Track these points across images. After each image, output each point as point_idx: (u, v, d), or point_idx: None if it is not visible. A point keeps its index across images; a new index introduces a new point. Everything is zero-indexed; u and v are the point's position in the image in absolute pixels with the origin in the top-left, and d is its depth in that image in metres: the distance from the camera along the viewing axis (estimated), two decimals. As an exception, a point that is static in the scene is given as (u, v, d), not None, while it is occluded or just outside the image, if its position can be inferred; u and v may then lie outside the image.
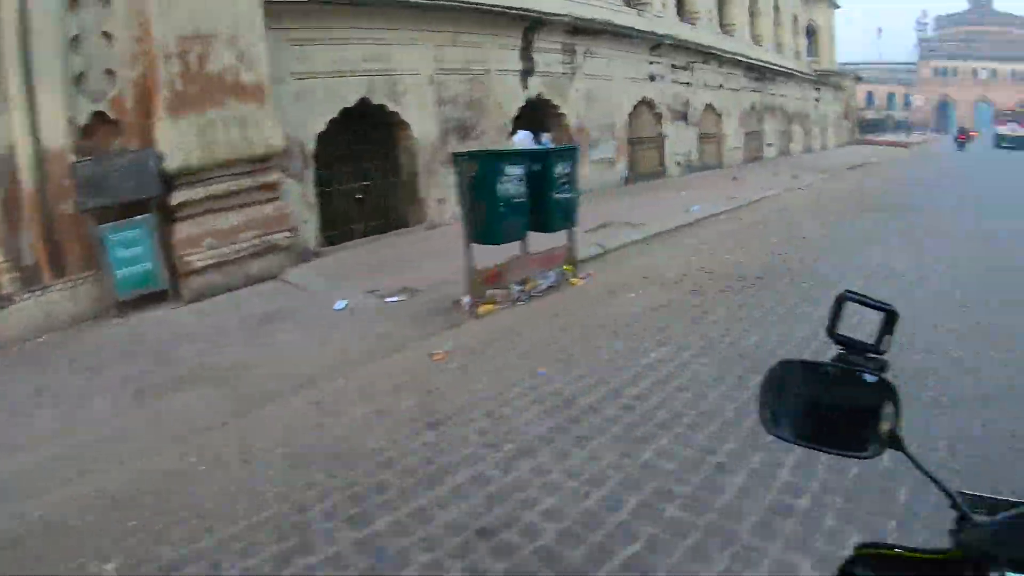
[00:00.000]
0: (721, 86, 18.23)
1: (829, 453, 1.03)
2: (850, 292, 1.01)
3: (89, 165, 5.97)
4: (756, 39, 24.83)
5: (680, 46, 15.84)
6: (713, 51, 17.32)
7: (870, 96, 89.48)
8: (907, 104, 48.48)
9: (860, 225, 9.64)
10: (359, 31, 8.67)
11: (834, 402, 0.99)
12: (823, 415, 1.00)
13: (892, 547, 0.89)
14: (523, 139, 6.76)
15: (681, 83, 16.28)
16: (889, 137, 37.58)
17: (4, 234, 5.71)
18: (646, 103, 15.04)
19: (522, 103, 11.46)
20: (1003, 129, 42.77)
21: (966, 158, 31.16)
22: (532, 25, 11.40)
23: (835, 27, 32.34)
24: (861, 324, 1.05)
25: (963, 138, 36.77)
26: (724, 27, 22.65)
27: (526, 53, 11.52)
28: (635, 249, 8.30)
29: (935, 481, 0.90)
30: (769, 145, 22.07)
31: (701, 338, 4.91)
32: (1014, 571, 0.74)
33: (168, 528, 2.83)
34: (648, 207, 10.79)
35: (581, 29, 12.47)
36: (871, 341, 1.00)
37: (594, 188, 12.58)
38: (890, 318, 0.98)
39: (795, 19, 29.09)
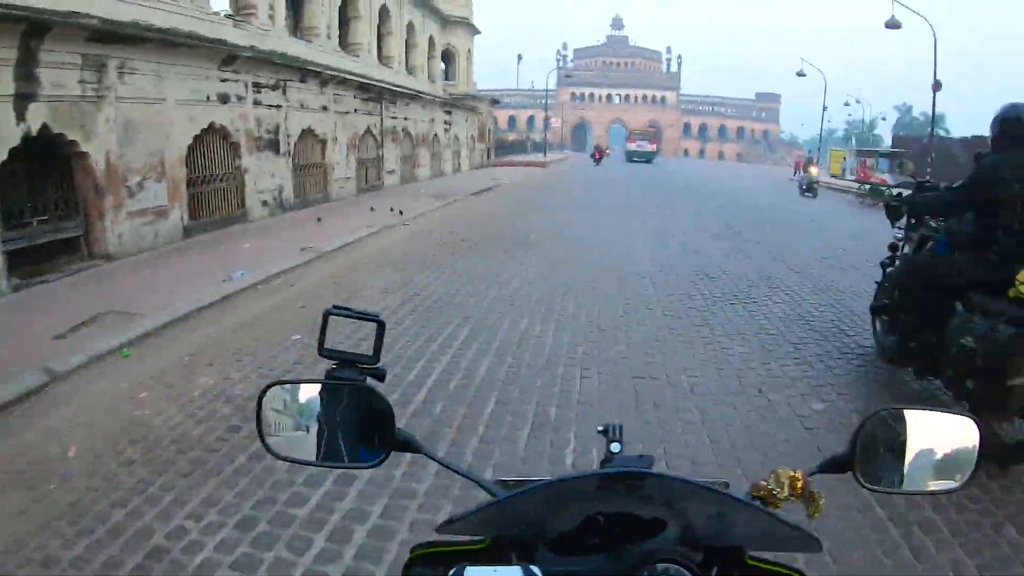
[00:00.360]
0: (326, 108, 16.34)
1: (341, 468, 1.11)
2: (336, 306, 1.03)
3: None
4: (386, 60, 23.77)
5: (264, 60, 13.51)
6: (311, 67, 15.29)
7: (512, 120, 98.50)
8: (547, 126, 52.98)
9: (442, 275, 8.47)
10: None
11: (335, 416, 1.00)
12: (328, 430, 1.00)
13: (444, 543, 0.90)
14: None
15: (269, 105, 13.98)
16: (528, 157, 40.31)
17: None
18: (216, 130, 12.40)
19: (16, 143, 8.00)
20: (632, 146, 51.88)
21: (600, 170, 34.62)
22: (33, 29, 8.03)
23: (473, 52, 33.24)
24: None
25: (598, 155, 43.05)
26: (349, 47, 21.05)
27: (26, 70, 8.11)
28: (87, 380, 4.95)
29: (457, 472, 1.00)
30: (390, 172, 20.91)
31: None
32: (551, 551, 0.83)
33: None
34: (184, 276, 8.18)
35: (113, 36, 9.27)
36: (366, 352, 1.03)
37: (133, 250, 9.67)
38: (380, 328, 1.03)
39: (431, 42, 28.90)
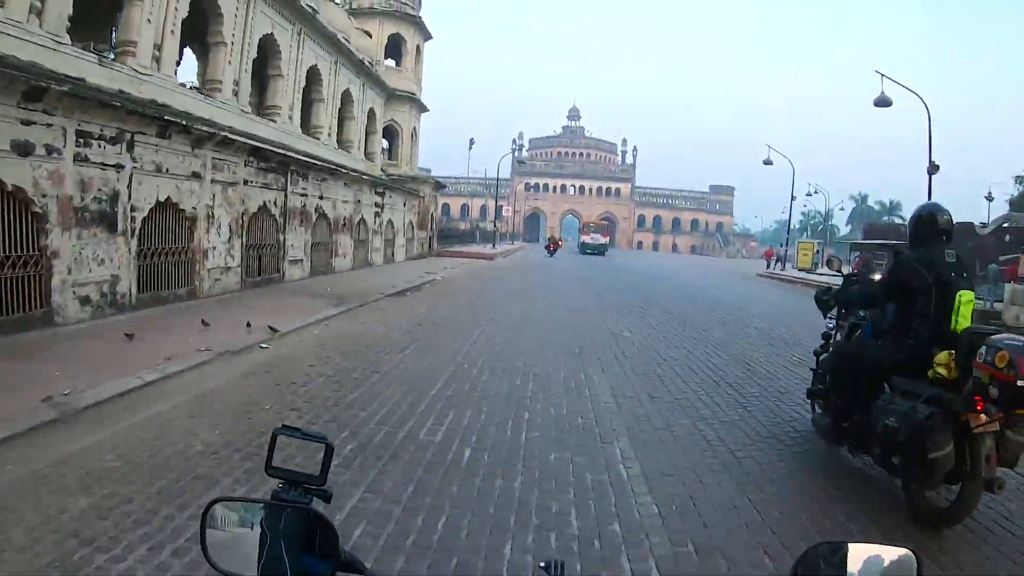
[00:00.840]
0: (198, 175, 12.31)
1: None
2: (286, 426, 1.05)
3: None
4: (314, 130, 20.20)
5: (97, 100, 9.57)
6: (177, 117, 11.37)
7: (465, 208, 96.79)
8: (498, 215, 50.11)
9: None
10: None
11: (279, 536, 0.99)
12: (272, 550, 0.99)
13: None
14: None
15: (104, 164, 9.92)
16: (476, 248, 36.85)
17: None
18: (7, 193, 8.32)
19: None
20: (586, 239, 52.37)
21: (551, 262, 31.12)
22: None
23: (419, 132, 30.16)
24: None
25: (552, 247, 43.10)
26: (266, 109, 17.41)
27: None
28: None
29: None
30: (295, 262, 16.62)
31: None
32: None
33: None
34: None
35: None
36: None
37: None
38: (328, 450, 1.05)
39: (371, 115, 25.61)
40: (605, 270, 30.75)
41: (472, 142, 58.03)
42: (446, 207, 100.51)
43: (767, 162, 39.49)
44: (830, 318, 5.84)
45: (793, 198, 40.95)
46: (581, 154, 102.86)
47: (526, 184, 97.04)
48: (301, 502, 1.01)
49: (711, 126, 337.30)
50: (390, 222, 24.09)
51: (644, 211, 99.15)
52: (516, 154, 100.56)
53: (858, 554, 0.96)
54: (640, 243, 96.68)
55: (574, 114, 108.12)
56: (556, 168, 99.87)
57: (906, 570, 0.97)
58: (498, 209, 47.40)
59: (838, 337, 5.59)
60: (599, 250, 50.24)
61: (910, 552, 0.98)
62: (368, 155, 26.60)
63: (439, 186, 31.13)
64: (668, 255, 78.22)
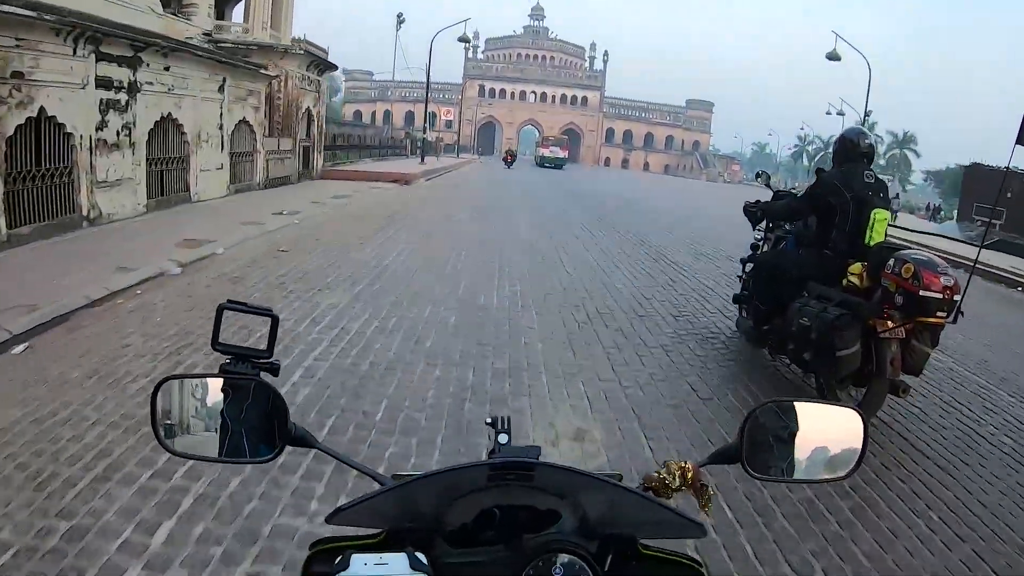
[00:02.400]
0: None
1: (238, 463, 1.11)
2: (231, 301, 1.02)
3: None
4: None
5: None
6: None
7: (410, 116, 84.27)
8: (430, 122, 38.77)
9: None
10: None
11: (229, 411, 0.97)
12: (223, 426, 0.96)
13: (341, 538, 0.87)
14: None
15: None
16: (391, 166, 26.04)
17: None
18: None
19: None
20: (545, 152, 53.67)
21: (500, 188, 22.31)
22: None
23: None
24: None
25: (510, 159, 43.88)
26: None
27: None
28: None
29: (350, 465, 1.00)
30: None
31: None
32: (447, 543, 0.82)
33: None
34: None
35: None
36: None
37: None
38: (274, 323, 1.02)
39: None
40: (564, 197, 21.88)
41: (401, 17, 45.94)
42: (387, 114, 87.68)
43: (832, 56, 28.88)
44: (758, 230, 6.05)
45: (868, 114, 29.91)
46: (544, 57, 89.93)
47: (480, 88, 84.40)
48: (250, 375, 0.97)
49: (688, 37, 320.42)
50: (219, 123, 13.24)
51: (614, 124, 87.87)
52: (469, 55, 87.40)
53: (805, 411, 0.98)
54: (607, 160, 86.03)
55: (537, 13, 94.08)
56: (515, 72, 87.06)
57: (852, 426, 0.99)
58: (428, 114, 35.59)
59: (765, 248, 5.97)
60: (557, 164, 51.27)
61: (855, 410, 1.00)
62: (181, 7, 15.42)
63: (326, 66, 19.80)
64: (639, 174, 68.20)
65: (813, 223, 4.84)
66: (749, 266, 5.93)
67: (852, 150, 4.58)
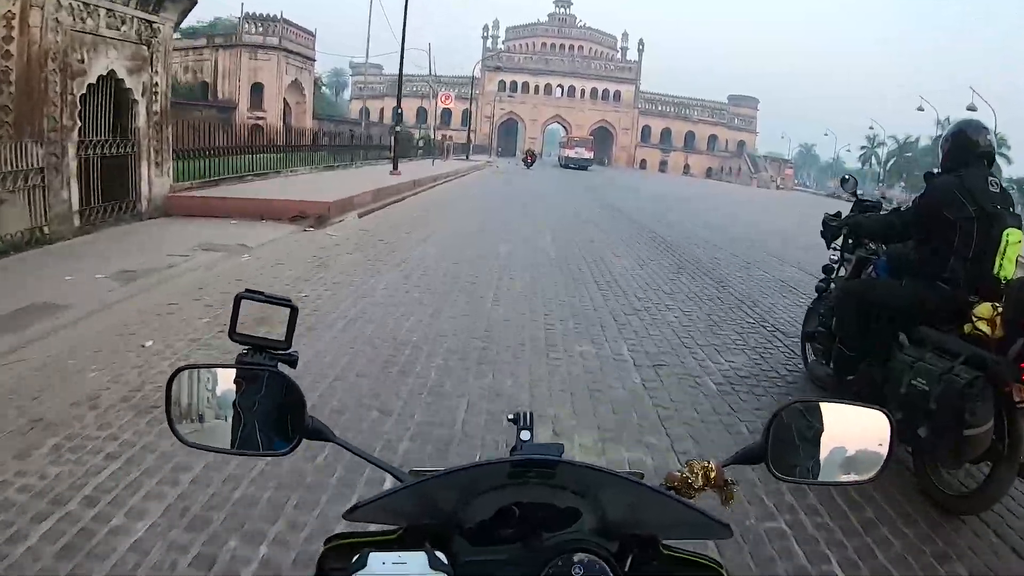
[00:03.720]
0: None
1: (254, 457, 1.06)
2: (249, 290, 0.99)
3: None
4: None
5: None
6: None
7: (422, 113, 75.56)
8: (398, 115, 29.12)
9: None
10: None
11: (246, 403, 0.96)
12: (239, 417, 0.95)
13: (357, 534, 0.88)
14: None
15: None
16: (328, 183, 16.77)
17: None
18: None
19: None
20: (570, 153, 52.10)
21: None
22: None
23: None
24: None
25: (531, 159, 44.45)
26: None
27: None
28: None
29: (368, 460, 0.97)
30: None
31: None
32: (465, 540, 0.81)
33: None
34: None
35: None
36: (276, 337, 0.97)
37: None
38: (293, 314, 0.99)
39: None
40: (602, 219, 15.62)
41: None
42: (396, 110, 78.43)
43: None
44: (834, 248, 4.88)
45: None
46: (572, 47, 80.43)
47: (500, 83, 75.21)
48: (267, 365, 0.96)
49: (727, 31, 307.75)
50: None
51: (650, 121, 78.09)
52: (490, 47, 78.40)
53: (832, 412, 0.96)
54: (643, 162, 76.39)
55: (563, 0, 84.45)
56: (539, 63, 77.71)
57: (879, 428, 0.96)
58: (396, 112, 25.97)
59: (842, 272, 4.81)
60: (581, 165, 50.22)
61: (883, 412, 0.97)
62: None
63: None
64: (679, 178, 58.78)
65: (917, 245, 3.76)
66: (825, 295, 4.80)
67: (970, 149, 3.56)
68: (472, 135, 64.58)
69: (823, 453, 0.94)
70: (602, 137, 75.92)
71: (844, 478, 0.97)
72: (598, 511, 0.83)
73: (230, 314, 0.95)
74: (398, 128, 22.63)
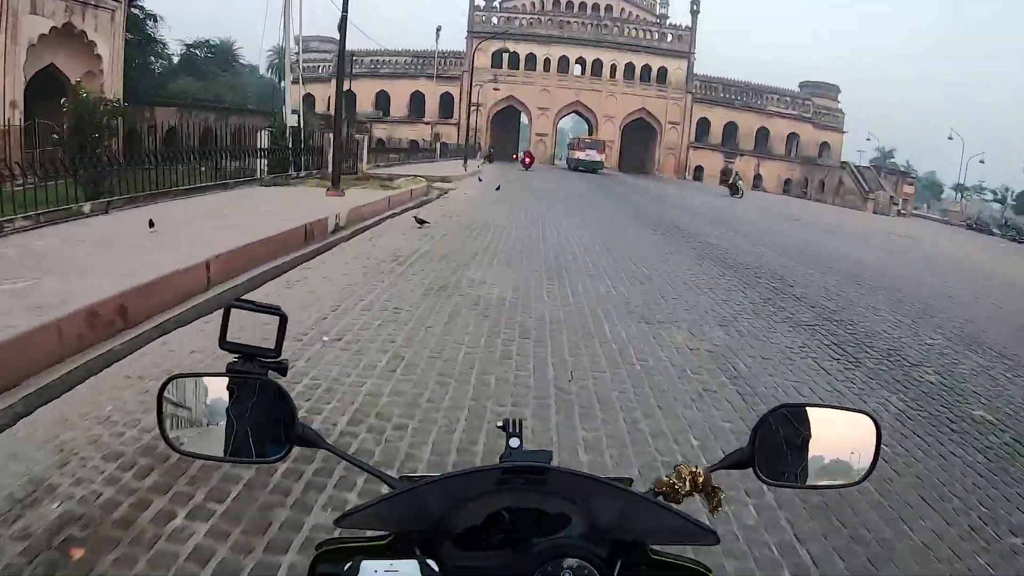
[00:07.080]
0: None
1: (245, 464, 1.09)
2: (237, 300, 0.98)
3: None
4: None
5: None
6: None
7: (418, 96, 54.03)
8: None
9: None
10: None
11: (236, 411, 0.96)
12: (229, 425, 0.96)
13: (348, 540, 0.89)
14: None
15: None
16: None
17: None
18: None
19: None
20: (580, 155, 46.09)
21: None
22: None
23: None
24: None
25: (529, 160, 41.99)
26: None
27: None
28: None
29: (359, 466, 0.97)
30: None
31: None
32: (455, 546, 0.81)
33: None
34: None
35: None
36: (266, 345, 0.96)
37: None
38: (283, 322, 0.98)
39: None
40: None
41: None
42: (383, 94, 55.47)
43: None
44: None
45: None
46: (596, 6, 58.20)
47: (494, 55, 52.74)
48: (258, 374, 0.96)
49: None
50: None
51: (710, 112, 55.63)
52: (481, 1, 56.21)
53: (818, 417, 0.97)
54: (699, 169, 54.10)
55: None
56: (552, 28, 55.26)
57: (865, 432, 0.98)
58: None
59: None
60: (592, 168, 44.10)
61: (869, 416, 0.99)
62: None
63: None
64: (759, 198, 37.06)
65: None
66: None
67: None
68: (458, 130, 47.25)
69: (810, 457, 0.95)
70: (639, 135, 53.76)
71: (831, 482, 0.98)
72: (587, 517, 0.83)
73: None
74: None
